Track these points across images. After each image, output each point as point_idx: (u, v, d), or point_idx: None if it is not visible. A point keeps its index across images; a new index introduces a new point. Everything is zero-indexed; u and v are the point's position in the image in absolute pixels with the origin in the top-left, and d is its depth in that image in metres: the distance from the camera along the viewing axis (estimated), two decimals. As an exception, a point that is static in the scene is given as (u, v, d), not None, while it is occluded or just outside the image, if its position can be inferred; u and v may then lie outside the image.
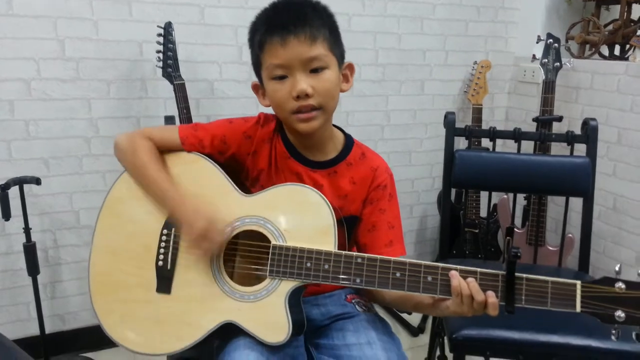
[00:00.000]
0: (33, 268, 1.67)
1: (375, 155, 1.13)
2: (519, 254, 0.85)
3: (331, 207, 0.97)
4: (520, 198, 2.23)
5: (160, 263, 1.03)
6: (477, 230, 2.25)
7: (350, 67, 1.08)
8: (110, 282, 1.05)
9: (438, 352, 1.68)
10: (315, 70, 0.98)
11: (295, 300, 0.97)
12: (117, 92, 1.85)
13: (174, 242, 1.03)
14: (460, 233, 2.22)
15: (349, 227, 1.08)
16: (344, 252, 0.95)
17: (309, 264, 0.95)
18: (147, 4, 1.81)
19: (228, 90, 2.00)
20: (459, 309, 0.89)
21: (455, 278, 0.89)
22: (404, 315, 2.21)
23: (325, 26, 1.00)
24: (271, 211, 1.00)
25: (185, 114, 1.75)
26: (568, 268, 1.87)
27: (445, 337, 1.39)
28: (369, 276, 0.93)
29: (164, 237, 1.04)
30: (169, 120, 1.78)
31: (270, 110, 1.08)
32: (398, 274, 0.92)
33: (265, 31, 0.98)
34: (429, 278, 0.91)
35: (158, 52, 1.74)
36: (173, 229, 1.04)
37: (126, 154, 1.07)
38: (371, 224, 1.09)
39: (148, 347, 1.02)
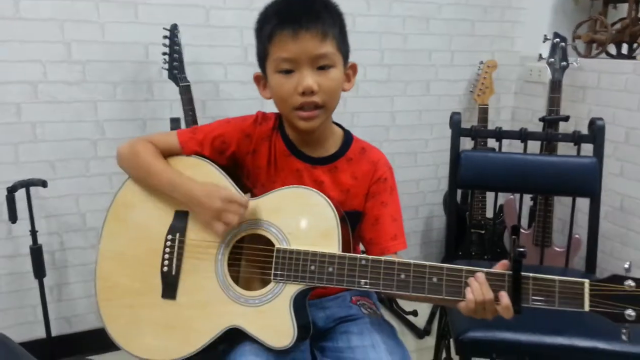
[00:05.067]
0: (39, 271, 1.68)
1: (375, 149, 1.13)
2: (524, 253, 0.84)
3: (334, 209, 0.97)
4: (527, 198, 2.21)
5: (165, 269, 1.03)
6: (483, 231, 2.24)
7: (354, 67, 1.08)
8: (116, 287, 1.06)
9: (444, 355, 1.67)
10: (322, 68, 0.98)
11: (300, 304, 0.97)
12: (123, 94, 1.85)
13: (179, 247, 1.03)
14: (466, 234, 2.21)
15: (353, 222, 1.07)
16: (347, 254, 0.94)
17: (313, 267, 0.95)
18: (153, 6, 1.82)
19: (234, 91, 2.00)
20: (472, 313, 0.89)
21: (470, 292, 0.88)
22: (410, 318, 2.20)
23: (336, 24, 1.00)
24: (275, 214, 0.99)
25: (190, 115, 1.75)
26: (575, 269, 1.86)
27: (451, 339, 1.38)
28: (373, 278, 0.93)
29: (168, 243, 1.04)
30: (175, 122, 1.78)
31: (270, 103, 1.07)
32: (403, 276, 0.92)
33: (276, 23, 0.96)
34: (434, 279, 0.91)
35: (164, 54, 1.74)
36: (177, 234, 1.04)
37: (129, 159, 1.08)
38: (374, 218, 1.08)
39: (153, 353, 1.02)
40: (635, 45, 2.13)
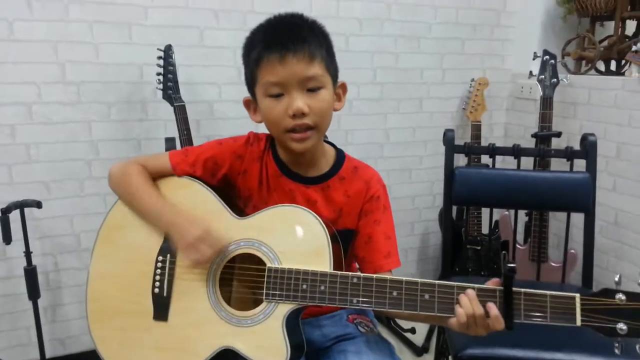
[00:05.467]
0: (34, 292, 1.67)
1: (367, 167, 1.12)
2: (514, 269, 0.84)
3: (325, 227, 0.96)
4: (522, 214, 2.22)
5: (157, 290, 1.03)
6: (479, 247, 2.24)
7: (343, 86, 1.08)
8: (107, 310, 1.05)
9: (442, 372, 1.66)
10: (311, 90, 0.98)
11: (293, 323, 0.96)
12: (117, 114, 1.86)
13: (170, 268, 1.03)
14: (463, 250, 2.21)
15: (345, 241, 1.06)
16: (339, 272, 0.94)
17: (304, 286, 0.94)
18: (147, 27, 1.83)
19: (228, 110, 2.02)
20: (464, 329, 0.89)
21: (460, 307, 0.88)
22: (408, 335, 2.19)
23: (323, 46, 1.00)
24: (266, 233, 0.99)
25: (185, 135, 1.76)
26: (571, 284, 1.86)
27: (450, 357, 1.37)
28: (365, 296, 0.92)
29: (159, 264, 1.03)
30: (170, 141, 1.78)
31: (261, 126, 1.07)
32: (395, 293, 0.91)
33: (263, 48, 0.96)
34: (426, 296, 0.90)
35: (158, 74, 1.75)
36: (168, 256, 1.03)
37: (119, 180, 1.08)
38: (367, 236, 1.08)
39: None
40: (623, 61, 2.16)
